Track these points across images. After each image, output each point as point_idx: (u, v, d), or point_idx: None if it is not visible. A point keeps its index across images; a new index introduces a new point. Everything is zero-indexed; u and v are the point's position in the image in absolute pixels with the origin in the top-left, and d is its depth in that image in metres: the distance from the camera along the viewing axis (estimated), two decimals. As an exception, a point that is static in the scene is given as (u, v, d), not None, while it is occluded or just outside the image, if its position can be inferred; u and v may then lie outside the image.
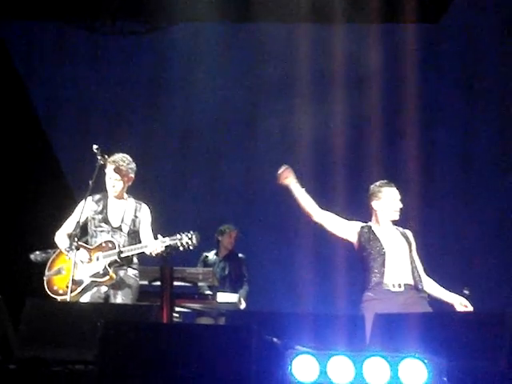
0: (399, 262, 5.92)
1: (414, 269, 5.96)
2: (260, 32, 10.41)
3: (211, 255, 8.88)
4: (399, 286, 5.85)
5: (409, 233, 6.14)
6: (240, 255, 8.94)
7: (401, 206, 6.05)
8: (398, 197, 6.07)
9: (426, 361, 3.85)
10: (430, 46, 10.17)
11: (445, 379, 3.92)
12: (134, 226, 6.40)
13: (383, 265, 5.86)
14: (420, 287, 5.94)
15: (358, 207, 6.31)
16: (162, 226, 6.47)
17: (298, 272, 9.61)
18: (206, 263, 8.78)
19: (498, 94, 10.17)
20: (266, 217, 10.25)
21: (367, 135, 9.91)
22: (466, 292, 7.71)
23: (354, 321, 4.55)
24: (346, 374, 3.94)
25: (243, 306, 8.21)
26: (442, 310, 5.96)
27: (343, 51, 9.94)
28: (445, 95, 10.29)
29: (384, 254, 5.88)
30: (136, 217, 6.42)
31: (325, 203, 6.13)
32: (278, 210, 10.08)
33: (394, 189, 6.09)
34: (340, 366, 3.95)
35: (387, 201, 6.02)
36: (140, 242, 6.37)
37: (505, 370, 4.01)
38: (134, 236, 6.40)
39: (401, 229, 6.11)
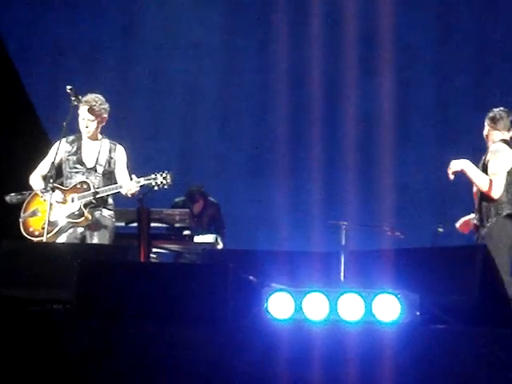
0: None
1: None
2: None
3: (182, 200, 8.88)
4: None
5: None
6: (212, 199, 8.95)
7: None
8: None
9: (399, 296, 3.92)
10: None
11: (418, 313, 4.00)
12: (109, 166, 6.39)
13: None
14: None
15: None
16: (138, 167, 6.47)
17: (275, 210, 9.66)
18: (177, 208, 8.76)
19: (475, 40, 10.16)
20: (242, 156, 10.25)
21: (342, 72, 9.92)
22: (440, 230, 7.84)
23: (329, 258, 4.60)
24: (320, 310, 4.01)
25: (220, 246, 8.26)
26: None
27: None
28: (421, 36, 10.26)
29: None
30: (111, 157, 6.40)
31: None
32: (255, 149, 10.09)
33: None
34: (315, 302, 4.02)
35: None
36: (115, 182, 6.36)
37: (476, 302, 4.09)
38: (109, 177, 6.39)
39: None
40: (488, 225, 5.80)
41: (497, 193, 5.81)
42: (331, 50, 9.91)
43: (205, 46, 10.45)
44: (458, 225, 6.29)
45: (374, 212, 8.86)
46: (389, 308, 3.95)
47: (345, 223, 7.61)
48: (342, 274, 4.53)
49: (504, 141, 6.01)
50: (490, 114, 6.11)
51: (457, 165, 5.98)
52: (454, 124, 9.98)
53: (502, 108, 6.11)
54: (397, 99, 9.95)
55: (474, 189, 6.07)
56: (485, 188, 5.84)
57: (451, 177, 6.01)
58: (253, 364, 3.88)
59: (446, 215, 9.27)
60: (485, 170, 5.97)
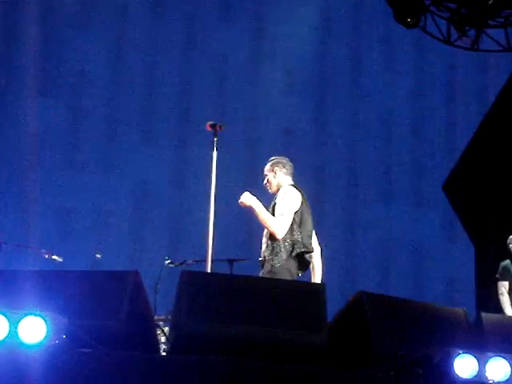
0: None
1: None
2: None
3: None
4: None
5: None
6: None
7: None
8: None
9: (45, 318, 3.87)
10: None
11: (64, 336, 3.97)
12: None
13: None
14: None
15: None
16: None
17: None
18: None
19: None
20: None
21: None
22: (99, 255, 7.89)
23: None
24: None
25: None
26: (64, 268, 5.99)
27: None
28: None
29: None
30: None
31: None
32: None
33: None
34: None
35: None
36: None
37: (123, 327, 4.16)
38: None
39: None
40: (276, 263, 5.81)
41: (281, 233, 5.85)
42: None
43: None
44: None
45: (32, 234, 8.70)
46: (35, 330, 3.88)
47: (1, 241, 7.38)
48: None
49: (292, 185, 6.10)
50: (277, 160, 6.19)
51: (247, 199, 5.93)
52: (121, 155, 10.17)
53: (281, 156, 6.25)
54: (67, 122, 9.95)
55: (265, 230, 6.06)
56: (270, 227, 5.89)
57: (241, 205, 5.95)
58: None
59: (105, 242, 9.37)
60: (273, 211, 5.99)
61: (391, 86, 10.87)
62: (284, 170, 6.16)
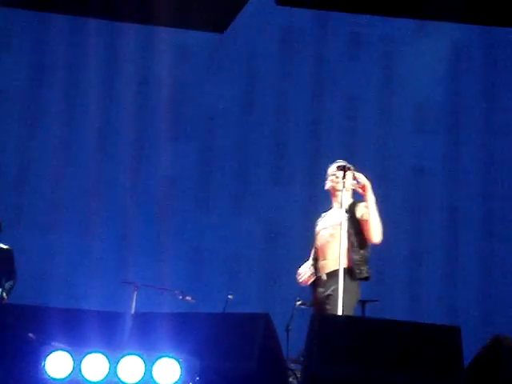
0: None
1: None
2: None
3: None
4: None
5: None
6: (4, 246, 8.54)
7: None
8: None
9: (180, 360, 3.93)
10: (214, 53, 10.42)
11: (197, 378, 4.02)
12: None
13: None
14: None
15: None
16: None
17: (67, 265, 9.47)
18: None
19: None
20: (38, 208, 10.00)
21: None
22: (230, 297, 7.97)
23: (114, 318, 4.55)
24: (100, 372, 3.94)
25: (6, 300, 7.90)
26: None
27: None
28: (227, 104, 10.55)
29: None
30: None
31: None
32: (51, 202, 9.89)
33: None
34: (95, 363, 3.95)
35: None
36: None
37: (255, 369, 4.17)
38: None
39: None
40: (364, 272, 5.69)
41: (381, 236, 5.74)
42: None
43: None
44: (303, 277, 5.92)
45: (166, 275, 8.88)
46: (169, 372, 3.95)
47: (136, 284, 7.58)
48: (127, 335, 4.48)
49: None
50: (341, 165, 5.89)
51: (365, 180, 5.81)
52: (252, 195, 10.25)
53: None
54: (198, 164, 10.14)
55: (322, 240, 5.92)
56: (377, 227, 5.71)
57: (354, 179, 5.80)
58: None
59: (237, 282, 9.45)
60: (354, 223, 5.79)
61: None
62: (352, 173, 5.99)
